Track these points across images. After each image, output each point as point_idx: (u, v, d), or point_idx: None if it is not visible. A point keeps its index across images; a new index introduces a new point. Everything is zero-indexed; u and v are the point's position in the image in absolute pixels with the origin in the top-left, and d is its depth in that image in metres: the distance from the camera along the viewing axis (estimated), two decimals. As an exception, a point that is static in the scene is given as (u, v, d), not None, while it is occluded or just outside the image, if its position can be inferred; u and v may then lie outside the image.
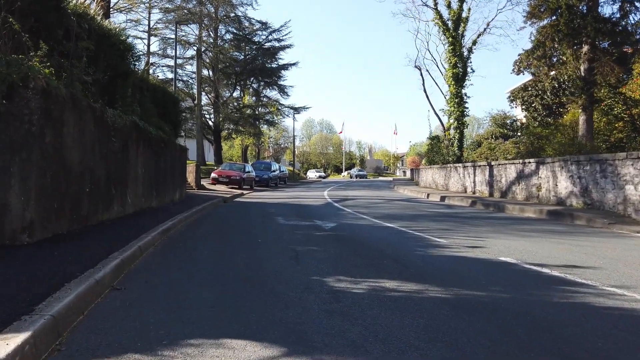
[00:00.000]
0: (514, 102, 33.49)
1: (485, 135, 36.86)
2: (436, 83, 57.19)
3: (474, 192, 19.92)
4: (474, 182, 19.89)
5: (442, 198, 18.50)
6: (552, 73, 33.03)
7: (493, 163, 17.89)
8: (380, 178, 72.05)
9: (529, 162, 14.83)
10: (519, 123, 32.60)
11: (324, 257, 5.87)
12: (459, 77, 26.16)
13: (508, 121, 35.49)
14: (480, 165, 19.29)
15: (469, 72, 26.56)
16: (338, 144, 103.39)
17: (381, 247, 6.79)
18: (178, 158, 15.52)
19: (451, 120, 27.40)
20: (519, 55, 38.12)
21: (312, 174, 73.80)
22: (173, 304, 3.75)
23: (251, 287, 4.30)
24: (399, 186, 30.97)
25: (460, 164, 22.09)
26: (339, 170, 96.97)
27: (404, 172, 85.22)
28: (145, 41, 45.97)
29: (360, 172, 74.88)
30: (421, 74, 36.75)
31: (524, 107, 31.89)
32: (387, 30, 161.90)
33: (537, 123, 30.03)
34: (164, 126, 13.70)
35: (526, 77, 37.32)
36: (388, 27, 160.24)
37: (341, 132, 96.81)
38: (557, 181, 13.12)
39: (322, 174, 77.96)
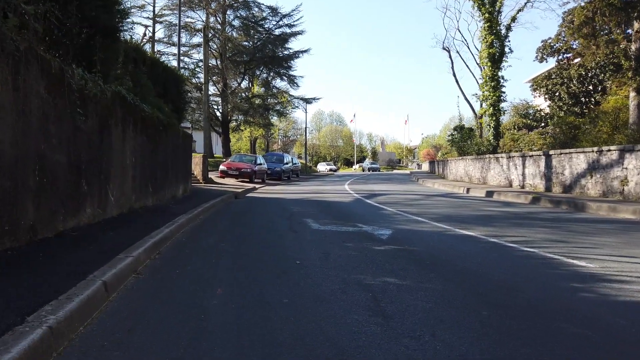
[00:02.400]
0: (537, 91, 30.77)
1: (507, 126, 34.38)
2: (467, 66, 54.18)
3: (522, 187, 17.24)
4: (523, 174, 17.20)
5: (489, 193, 15.84)
6: (575, 56, 30.57)
7: (552, 152, 15.19)
8: (395, 171, 69.29)
9: (609, 151, 12.12)
10: (542, 113, 29.92)
11: (429, 307, 3.29)
12: (496, 58, 23.40)
13: (531, 111, 32.92)
14: (532, 155, 16.59)
15: (507, 53, 23.80)
16: (348, 137, 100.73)
17: (505, 278, 4.20)
18: (181, 146, 13.00)
19: (485, 106, 24.66)
20: (542, 42, 35.17)
21: (322, 167, 71.12)
22: None
23: None
24: (423, 179, 28.30)
25: (503, 154, 19.38)
26: (349, 163, 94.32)
27: (418, 164, 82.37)
28: (150, 28, 43.66)
29: (373, 165, 72.05)
30: (450, 56, 34.28)
31: (547, 96, 29.31)
32: (404, 15, 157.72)
33: (562, 112, 27.50)
34: (164, 107, 11.16)
35: (549, 64, 34.60)
36: (406, 9, 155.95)
37: (352, 121, 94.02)
38: (654, 173, 10.44)
39: (333, 166, 75.28)
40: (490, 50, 23.18)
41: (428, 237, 6.65)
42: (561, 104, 28.69)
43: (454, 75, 36.10)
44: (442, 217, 9.17)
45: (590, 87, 28.57)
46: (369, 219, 8.86)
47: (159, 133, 10.12)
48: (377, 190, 19.59)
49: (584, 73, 28.20)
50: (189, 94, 37.81)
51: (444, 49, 35.05)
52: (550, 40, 33.29)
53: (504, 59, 23.59)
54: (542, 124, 29.71)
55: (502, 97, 23.68)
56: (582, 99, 29.12)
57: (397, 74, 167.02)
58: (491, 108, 23.75)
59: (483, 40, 23.64)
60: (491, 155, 20.62)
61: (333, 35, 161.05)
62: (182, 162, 13.05)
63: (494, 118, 23.76)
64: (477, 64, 29.12)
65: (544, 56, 34.67)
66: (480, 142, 25.30)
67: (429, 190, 19.40)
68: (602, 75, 27.24)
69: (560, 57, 33.07)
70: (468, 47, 58.17)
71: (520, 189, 16.89)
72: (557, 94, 29.32)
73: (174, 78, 14.09)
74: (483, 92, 24.31)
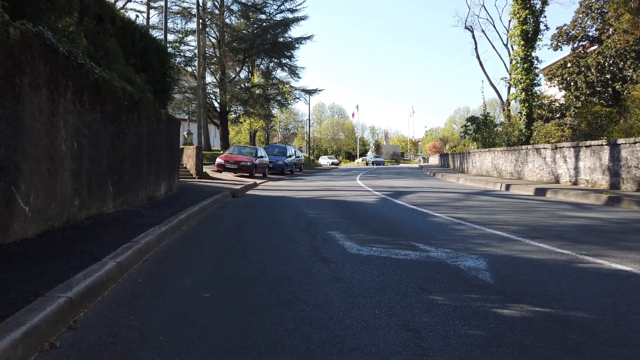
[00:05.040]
0: (552, 81, 28.10)
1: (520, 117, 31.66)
2: (493, 47, 50.97)
3: (574, 183, 14.46)
4: (576, 168, 14.41)
5: (540, 191, 13.07)
6: (594, 48, 27.86)
7: (621, 141, 12.40)
8: (402, 165, 66.47)
9: None
10: (557, 103, 27.27)
11: None
12: (529, 37, 20.53)
13: (545, 101, 30.33)
14: (590, 146, 13.78)
15: (542, 30, 20.91)
16: (350, 130, 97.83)
17: None
18: (164, 132, 10.20)
19: (516, 91, 21.81)
20: (557, 28, 32.23)
21: (324, 161, 68.25)
22: None
23: None
24: (441, 174, 25.52)
25: (547, 145, 16.59)
26: (350, 157, 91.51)
27: (424, 158, 79.50)
28: (144, 14, 40.65)
29: (377, 159, 69.03)
30: (473, 36, 31.41)
31: (562, 85, 26.66)
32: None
33: (579, 103, 24.90)
34: (135, 78, 8.35)
35: (563, 52, 31.85)
36: None
37: (353, 115, 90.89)
38: None
39: (335, 160, 72.41)
40: (523, 27, 20.30)
41: (564, 278, 3.85)
42: (578, 93, 26.18)
43: (478, 57, 32.94)
44: (528, 230, 6.39)
45: (609, 76, 25.97)
46: (424, 234, 6.08)
47: (126, 111, 7.32)
48: (397, 186, 16.82)
49: (602, 61, 25.59)
50: (184, 82, 35.05)
51: (466, 28, 32.07)
52: (566, 27, 30.48)
53: (538, 37, 20.72)
54: (558, 115, 27.27)
55: (535, 81, 20.83)
56: (599, 88, 26.61)
57: (400, 65, 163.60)
58: (523, 93, 20.93)
59: (514, 15, 20.75)
60: (529, 146, 17.82)
61: (335, 24, 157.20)
62: (165, 153, 10.26)
63: (527, 104, 20.94)
64: (505, 44, 26.30)
65: (559, 44, 31.85)
66: (510, 131, 22.44)
67: (458, 187, 16.62)
68: (622, 63, 24.57)
69: (575, 44, 30.33)
70: (494, 26, 54.69)
71: (573, 186, 14.12)
72: (572, 83, 26.81)
73: (156, 49, 11.29)
74: (514, 75, 21.46)
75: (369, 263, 4.40)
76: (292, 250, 5.12)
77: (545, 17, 20.96)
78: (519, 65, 20.85)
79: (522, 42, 20.46)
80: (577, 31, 30.47)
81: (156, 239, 5.33)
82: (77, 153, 5.47)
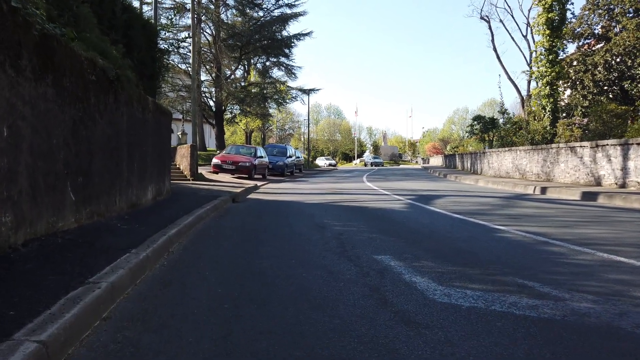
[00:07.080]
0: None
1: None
2: (512, 37, 49.24)
3: (622, 185, 12.72)
4: (624, 169, 12.66)
5: (588, 195, 11.30)
6: (599, 46, 26.41)
7: (688, 137, 10.67)
8: (402, 166, 64.76)
9: None
10: (562, 103, 25.74)
11: None
12: (554, 25, 18.79)
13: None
14: (643, 143, 12.03)
15: (568, 19, 19.23)
16: (347, 130, 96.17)
17: None
18: (152, 124, 8.31)
19: (539, 85, 20.07)
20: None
21: (321, 162, 66.35)
22: None
23: None
24: (455, 175, 23.78)
25: (585, 143, 14.81)
26: (347, 158, 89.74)
27: (423, 159, 77.87)
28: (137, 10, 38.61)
29: (376, 160, 67.26)
30: (489, 27, 29.72)
31: (567, 84, 25.10)
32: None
33: (587, 102, 23.36)
34: (111, 50, 6.45)
35: (569, 49, 30.44)
36: None
37: (356, 113, 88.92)
38: None
39: (332, 161, 70.58)
40: (549, 15, 18.56)
41: None
42: (585, 92, 24.65)
43: (495, 49, 31.20)
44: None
45: (616, 75, 24.45)
46: (516, 261, 4.26)
47: (96, 91, 5.44)
48: (416, 189, 15.03)
49: (610, 59, 24.06)
50: (178, 80, 33.03)
51: (482, 18, 30.26)
52: (571, 24, 28.96)
53: (564, 27, 19.00)
54: (564, 115, 25.80)
55: (561, 74, 19.08)
56: (606, 87, 25.10)
57: (399, 66, 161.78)
58: (547, 87, 19.18)
59: (539, 1, 19.00)
60: (561, 145, 16.05)
61: (333, 25, 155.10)
62: (153, 149, 8.37)
63: (551, 100, 19.20)
64: (524, 36, 24.58)
65: (564, 41, 30.29)
66: (534, 129, 20.68)
67: (485, 190, 14.83)
68: (631, 61, 23.05)
69: (581, 42, 28.84)
70: (512, 16, 53.31)
71: (620, 189, 12.37)
72: (578, 82, 25.29)
73: (143, 26, 9.43)
74: (535, 68, 19.73)
75: (490, 329, 2.56)
76: (337, 292, 3.27)
77: (572, 3, 19.42)
78: (542, 57, 19.12)
79: (547, 32, 18.72)
80: (583, 28, 28.91)
81: (129, 275, 3.47)
82: (8, 143, 3.59)
